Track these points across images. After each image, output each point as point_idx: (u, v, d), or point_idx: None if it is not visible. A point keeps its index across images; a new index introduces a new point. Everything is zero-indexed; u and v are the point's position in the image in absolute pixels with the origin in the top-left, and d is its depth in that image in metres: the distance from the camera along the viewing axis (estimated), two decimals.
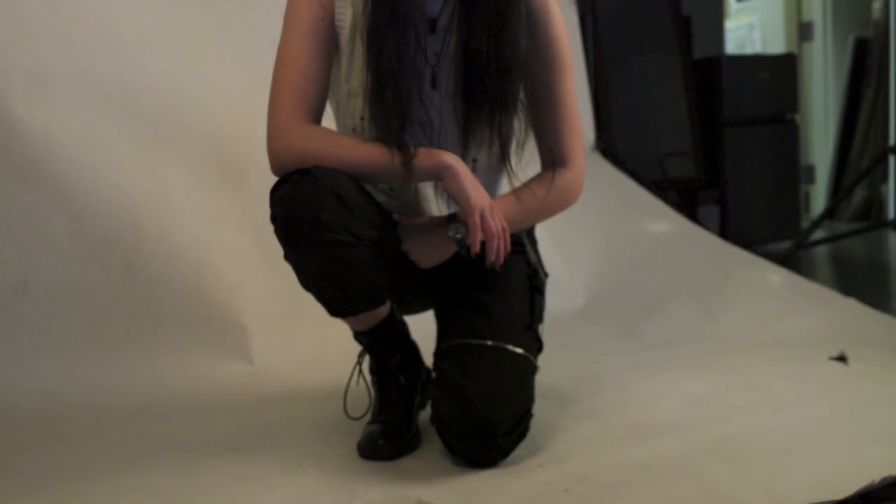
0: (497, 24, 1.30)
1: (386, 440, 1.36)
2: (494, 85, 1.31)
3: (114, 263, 1.98)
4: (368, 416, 1.46)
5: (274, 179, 1.30)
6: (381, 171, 1.28)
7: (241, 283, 2.10)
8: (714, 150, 3.97)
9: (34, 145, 1.97)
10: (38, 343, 1.87)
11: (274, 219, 1.25)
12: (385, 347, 1.43)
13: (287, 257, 1.28)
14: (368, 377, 1.48)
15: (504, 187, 1.46)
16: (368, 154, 1.27)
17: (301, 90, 1.31)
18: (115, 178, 2.03)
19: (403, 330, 1.48)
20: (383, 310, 1.39)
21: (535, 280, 1.50)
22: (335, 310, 1.33)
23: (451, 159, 1.28)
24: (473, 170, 1.36)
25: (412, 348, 1.49)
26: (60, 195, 1.97)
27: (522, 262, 1.50)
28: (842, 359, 1.84)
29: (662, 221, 2.96)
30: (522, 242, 1.52)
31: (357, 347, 1.50)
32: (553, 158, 1.44)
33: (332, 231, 1.22)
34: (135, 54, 2.16)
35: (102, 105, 2.08)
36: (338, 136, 1.31)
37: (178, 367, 1.91)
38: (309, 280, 1.29)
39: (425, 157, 1.28)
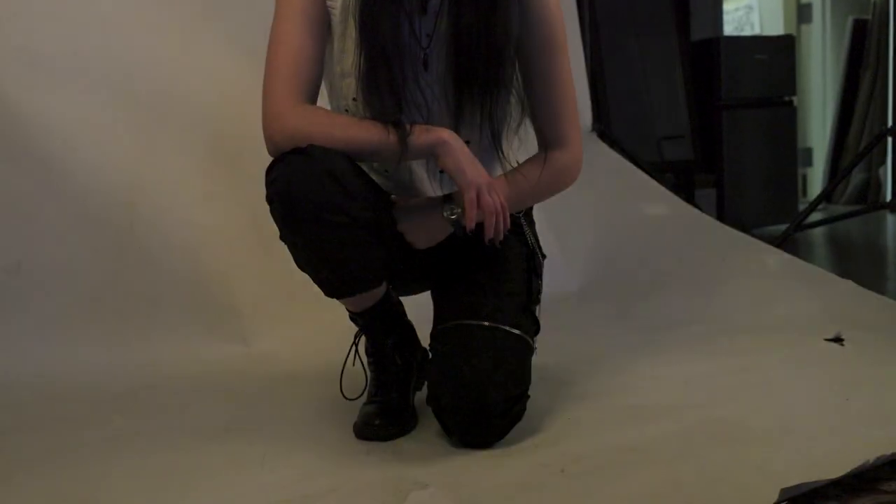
0: (488, 5, 1.29)
1: (382, 421, 1.36)
2: (485, 67, 1.30)
3: (107, 245, 1.97)
4: (364, 397, 1.47)
5: (268, 161, 1.29)
6: (376, 149, 1.27)
7: (236, 264, 2.09)
8: (711, 133, 3.96)
9: (27, 126, 1.96)
10: (31, 325, 1.86)
11: (269, 199, 1.24)
12: (381, 328, 1.43)
13: (283, 238, 1.27)
14: (364, 358, 1.48)
15: (497, 170, 1.45)
16: (364, 132, 1.26)
17: (294, 70, 1.30)
18: (109, 159, 2.02)
19: (399, 311, 1.47)
20: (379, 291, 1.38)
21: (532, 261, 1.49)
22: (331, 291, 1.32)
23: (447, 135, 1.27)
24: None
25: (408, 329, 1.48)
26: (54, 176, 1.96)
27: (520, 243, 1.49)
28: (838, 340, 1.84)
29: (659, 204, 2.95)
30: (520, 224, 1.51)
31: (353, 328, 1.50)
32: (549, 140, 1.43)
33: (327, 211, 1.21)
34: (129, 35, 2.15)
35: (96, 86, 2.07)
36: (332, 114, 1.30)
37: (172, 349, 1.91)
38: (305, 261, 1.28)
39: (421, 133, 1.27)
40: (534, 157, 1.44)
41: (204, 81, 2.21)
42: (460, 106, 1.32)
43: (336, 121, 1.28)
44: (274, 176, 1.23)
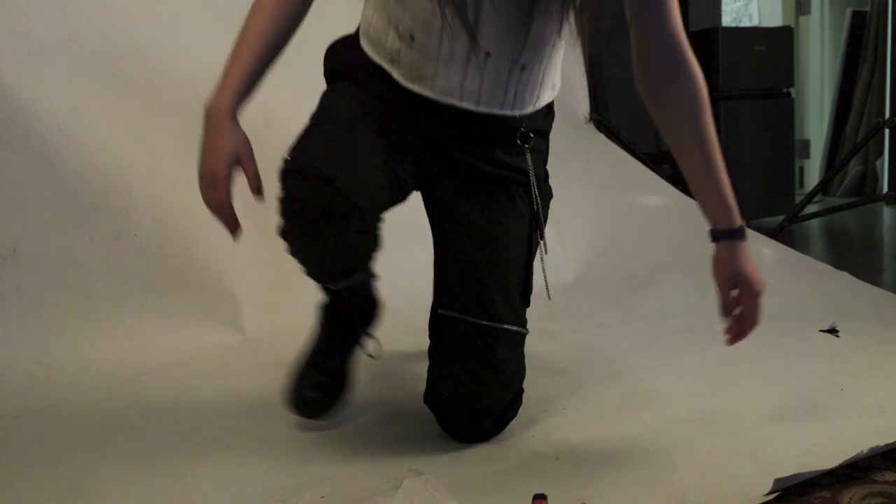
0: None
1: (319, 394, 1.36)
2: None
3: (103, 232, 1.97)
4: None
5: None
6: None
7: (232, 252, 2.08)
8: None
9: (23, 112, 1.94)
10: (27, 311, 1.85)
11: (282, 233, 1.23)
12: (352, 305, 1.42)
13: (285, 238, 1.25)
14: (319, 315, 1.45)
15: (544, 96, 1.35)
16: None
17: None
18: (105, 145, 2.01)
19: (373, 284, 1.45)
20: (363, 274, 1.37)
21: (532, 238, 1.39)
22: (317, 279, 1.30)
23: (213, 108, 1.29)
24: (483, 65, 1.22)
25: (374, 304, 1.46)
26: (50, 162, 1.95)
27: (528, 227, 1.39)
28: (833, 331, 1.85)
29: (656, 194, 2.95)
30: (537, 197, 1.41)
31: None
32: (669, 37, 1.34)
33: (335, 233, 1.19)
34: (126, 20, 2.13)
35: (92, 72, 2.06)
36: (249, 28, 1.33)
37: (168, 335, 1.91)
38: (296, 256, 1.26)
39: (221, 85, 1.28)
40: (680, 97, 1.33)
41: (202, 68, 2.18)
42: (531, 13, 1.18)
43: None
44: (289, 202, 1.22)
